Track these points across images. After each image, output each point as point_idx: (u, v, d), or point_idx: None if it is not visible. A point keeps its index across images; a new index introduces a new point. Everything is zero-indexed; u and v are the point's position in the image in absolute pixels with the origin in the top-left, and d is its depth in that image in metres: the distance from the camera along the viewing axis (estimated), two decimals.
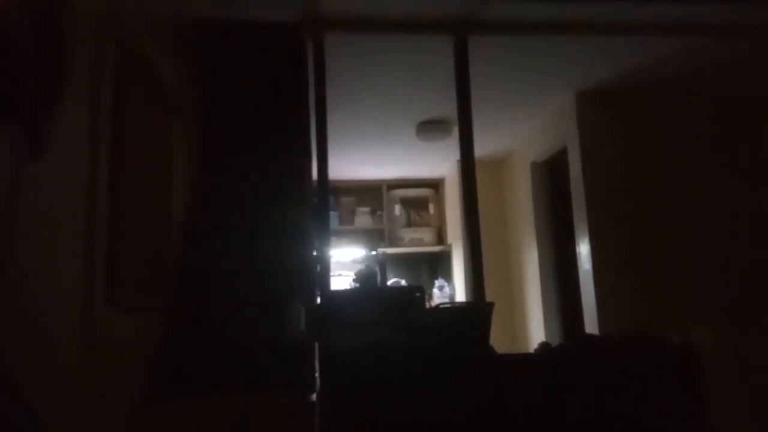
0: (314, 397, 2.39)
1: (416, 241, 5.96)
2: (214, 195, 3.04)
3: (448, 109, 3.52)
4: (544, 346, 2.60)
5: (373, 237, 5.96)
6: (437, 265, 6.14)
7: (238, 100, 3.21)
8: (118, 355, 2.00)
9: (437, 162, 5.49)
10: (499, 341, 2.56)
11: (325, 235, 2.95)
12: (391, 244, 5.94)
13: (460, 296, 5.45)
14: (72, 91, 1.59)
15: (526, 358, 2.93)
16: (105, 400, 1.86)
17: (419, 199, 6.13)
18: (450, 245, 5.78)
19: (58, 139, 1.52)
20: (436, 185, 6.18)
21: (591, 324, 3.69)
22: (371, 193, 6.11)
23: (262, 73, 3.20)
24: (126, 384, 2.10)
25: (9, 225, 1.31)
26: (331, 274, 2.99)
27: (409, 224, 6.01)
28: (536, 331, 4.67)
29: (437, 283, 5.70)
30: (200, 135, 3.10)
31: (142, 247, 2.24)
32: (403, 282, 5.85)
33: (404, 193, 6.07)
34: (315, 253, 2.94)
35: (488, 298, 2.97)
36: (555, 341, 4.19)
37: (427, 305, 4.81)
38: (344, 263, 5.79)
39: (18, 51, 1.34)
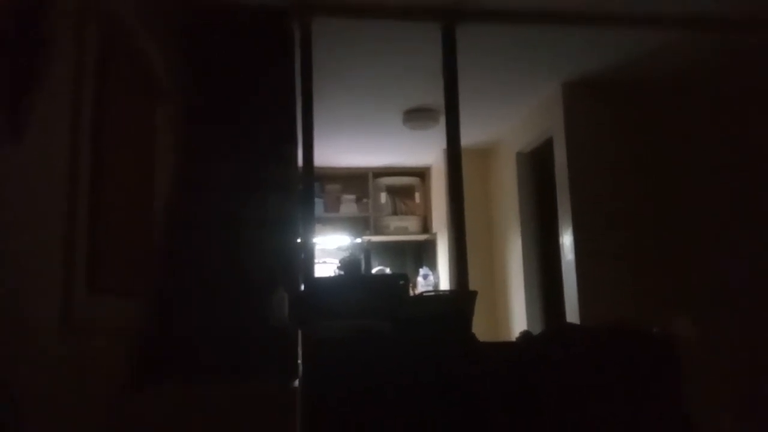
0: (297, 384, 2.40)
1: (401, 230, 5.96)
2: (197, 181, 3.01)
3: (435, 97, 3.52)
4: (525, 335, 2.62)
5: (358, 225, 5.96)
6: (422, 253, 6.15)
7: (224, 84, 3.17)
8: (98, 341, 1.99)
9: (424, 150, 5.49)
10: (481, 329, 2.58)
11: (309, 222, 2.95)
12: (376, 232, 5.94)
13: (444, 285, 5.48)
14: (54, 74, 1.57)
15: (507, 346, 2.96)
16: (85, 385, 1.85)
17: (405, 187, 6.13)
18: (435, 234, 5.80)
19: (38, 122, 1.49)
20: (422, 174, 6.17)
21: (572, 314, 3.73)
22: (357, 180, 6.09)
23: (248, 58, 3.17)
24: (107, 370, 2.09)
25: None
26: (316, 261, 2.99)
27: (395, 212, 6.01)
28: (518, 320, 4.71)
29: (422, 271, 5.72)
30: (184, 120, 3.07)
31: (125, 233, 2.21)
32: (388, 270, 5.86)
33: (390, 181, 6.06)
34: (299, 240, 2.93)
35: (472, 287, 2.99)
36: (536, 330, 4.23)
37: (411, 293, 4.83)
38: (329, 251, 5.79)
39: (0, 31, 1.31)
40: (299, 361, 2.48)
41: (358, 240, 5.77)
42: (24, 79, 1.42)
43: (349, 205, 6.01)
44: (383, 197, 6.01)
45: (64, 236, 1.70)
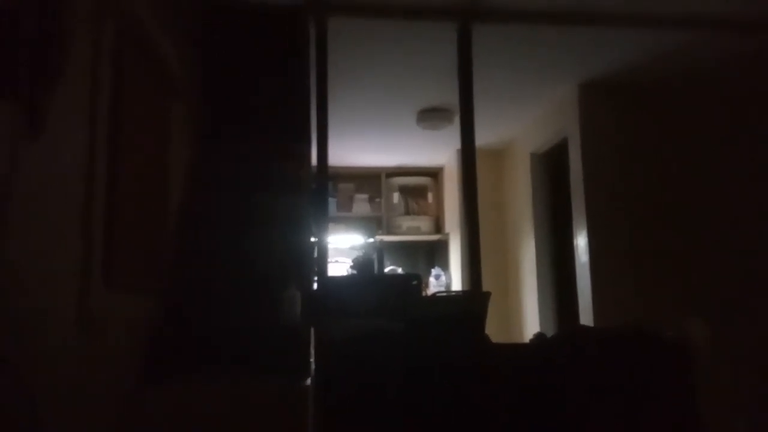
0: (309, 382, 2.40)
1: (414, 230, 5.96)
2: (212, 178, 3.02)
3: (450, 97, 3.51)
4: (538, 337, 2.60)
5: (371, 224, 5.96)
6: (434, 253, 6.14)
7: (239, 82, 3.19)
8: (113, 337, 2.00)
9: (437, 150, 5.48)
10: (494, 331, 2.56)
11: (323, 221, 2.95)
12: (389, 232, 5.94)
13: (456, 285, 5.46)
14: (71, 69, 1.58)
15: (520, 348, 2.94)
16: (100, 380, 1.86)
17: (418, 187, 6.12)
18: (447, 234, 5.78)
19: (56, 117, 1.51)
20: (435, 174, 6.16)
21: (586, 316, 3.70)
22: (370, 180, 6.10)
23: (264, 56, 3.18)
24: (121, 365, 2.10)
25: (6, 203, 1.30)
26: (329, 260, 2.99)
27: (407, 212, 6.00)
28: (531, 322, 4.69)
29: (434, 271, 5.71)
30: (199, 117, 3.08)
31: (140, 229, 2.23)
32: (400, 270, 5.85)
33: (403, 181, 6.06)
34: (313, 239, 2.93)
35: (484, 288, 2.98)
36: (550, 332, 4.20)
37: (424, 294, 4.82)
38: (342, 250, 5.79)
39: (19, 27, 1.32)
40: (311, 360, 2.48)
41: (371, 239, 5.77)
42: (42, 75, 1.43)
43: (361, 205, 6.02)
44: (396, 197, 6.01)
45: (80, 233, 1.72)
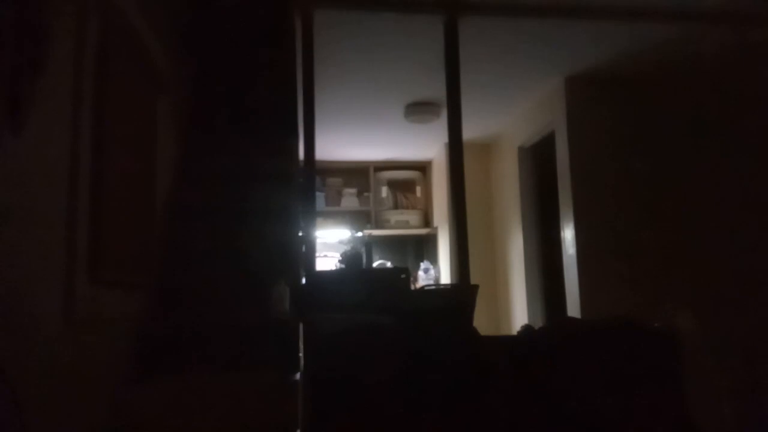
0: (298, 376, 2.40)
1: (402, 224, 5.96)
2: (199, 173, 3.01)
3: (437, 91, 3.51)
4: (526, 329, 2.62)
5: (360, 218, 5.95)
6: (423, 247, 6.15)
7: (225, 76, 3.17)
8: (100, 332, 1.99)
9: (425, 144, 5.48)
10: (482, 323, 2.58)
11: (311, 215, 2.95)
12: (378, 226, 5.94)
13: (445, 279, 5.48)
14: (55, 63, 1.56)
15: (508, 340, 2.96)
16: (87, 376, 1.85)
17: (406, 181, 6.12)
18: (436, 228, 5.79)
19: (40, 111, 1.49)
20: (423, 168, 6.17)
21: (573, 308, 3.73)
22: (358, 174, 6.09)
23: (250, 50, 3.16)
24: (109, 361, 2.09)
25: None
26: (317, 254, 2.99)
27: (396, 206, 6.00)
28: (519, 314, 4.71)
29: (422, 265, 5.72)
30: (186, 112, 3.06)
31: (126, 224, 2.21)
32: (389, 264, 5.86)
33: (391, 175, 6.05)
34: (301, 234, 2.93)
35: (473, 281, 2.99)
36: (537, 324, 4.23)
37: (412, 287, 4.83)
38: (330, 244, 5.79)
39: (1, 21, 1.31)
40: (300, 354, 2.48)
41: (359, 234, 5.77)
42: (25, 70, 1.41)
43: (350, 199, 6.01)
44: (384, 191, 6.00)
45: (65, 229, 1.70)
